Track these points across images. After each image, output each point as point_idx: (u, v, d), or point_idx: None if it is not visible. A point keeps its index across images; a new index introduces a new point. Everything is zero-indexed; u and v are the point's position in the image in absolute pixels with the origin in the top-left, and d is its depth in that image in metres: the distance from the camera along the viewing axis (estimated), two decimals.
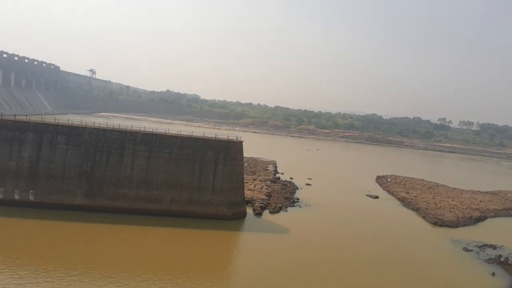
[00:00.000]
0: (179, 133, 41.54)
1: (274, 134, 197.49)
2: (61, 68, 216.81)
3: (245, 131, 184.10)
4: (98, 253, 29.06)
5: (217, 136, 42.44)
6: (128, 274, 26.01)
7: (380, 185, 75.27)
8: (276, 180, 65.69)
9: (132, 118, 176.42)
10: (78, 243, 30.57)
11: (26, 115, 44.00)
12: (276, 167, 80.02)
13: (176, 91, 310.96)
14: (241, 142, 42.79)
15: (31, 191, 36.91)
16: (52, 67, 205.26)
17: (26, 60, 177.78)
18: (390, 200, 62.54)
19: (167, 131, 42.05)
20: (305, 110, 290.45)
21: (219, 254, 32.88)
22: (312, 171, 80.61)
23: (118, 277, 25.43)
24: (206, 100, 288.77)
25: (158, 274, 26.53)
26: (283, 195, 54.37)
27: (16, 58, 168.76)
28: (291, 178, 69.30)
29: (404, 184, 75.99)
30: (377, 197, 63.00)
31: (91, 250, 29.46)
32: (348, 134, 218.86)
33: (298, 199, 54.14)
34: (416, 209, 56.12)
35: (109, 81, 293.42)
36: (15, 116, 40.56)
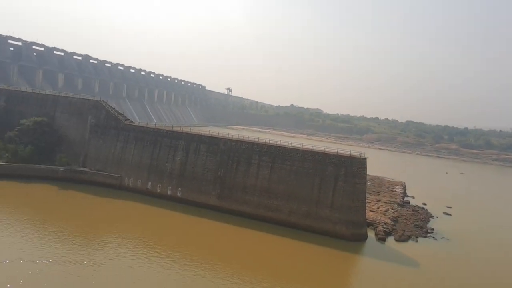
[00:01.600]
0: (301, 146, 42.67)
1: (403, 152, 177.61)
2: (206, 88, 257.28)
3: (369, 147, 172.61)
4: (226, 249, 32.72)
5: (338, 151, 41.49)
6: (251, 278, 28.03)
7: None
8: (404, 204, 58.69)
9: (259, 130, 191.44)
10: (210, 237, 35.20)
11: (180, 127, 54.10)
12: (405, 190, 71.52)
13: (299, 106, 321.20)
14: (365, 158, 40.46)
15: (179, 188, 44.86)
16: (200, 87, 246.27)
17: (182, 82, 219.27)
18: None
19: (289, 144, 43.90)
20: (446, 126, 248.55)
21: (337, 275, 31.66)
22: (453, 199, 68.03)
23: (243, 277, 27.78)
24: (328, 114, 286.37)
25: (281, 282, 27.52)
26: (413, 223, 47.86)
27: (176, 81, 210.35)
28: (424, 204, 60.55)
29: None
30: None
31: (220, 245, 33.40)
32: (506, 156, 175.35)
33: (432, 229, 46.46)
34: None
35: (242, 97, 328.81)
36: (172, 127, 50.58)
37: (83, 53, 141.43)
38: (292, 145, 43.74)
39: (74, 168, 48.22)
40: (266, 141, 44.36)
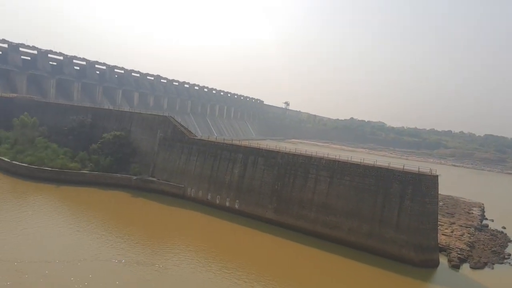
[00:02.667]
0: (362, 161, 40.73)
1: (482, 170, 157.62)
2: (264, 102, 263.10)
3: (441, 163, 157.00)
4: (281, 265, 32.28)
5: (405, 167, 38.57)
6: None
7: None
8: (482, 227, 51.84)
9: (317, 144, 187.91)
10: (266, 251, 35.16)
11: (239, 140, 55.91)
12: (483, 212, 63.22)
13: (360, 119, 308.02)
14: (436, 176, 36.90)
15: (237, 200, 46.02)
16: (258, 101, 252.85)
17: (242, 98, 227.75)
18: None
19: (349, 159, 42.23)
20: None
21: None
22: None
23: None
24: (392, 128, 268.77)
25: None
26: (491, 248, 42.07)
27: (235, 96, 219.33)
28: (504, 228, 52.91)
29: None
30: None
31: (276, 260, 33.11)
32: None
33: (509, 254, 40.78)
34: None
35: (300, 111, 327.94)
36: (232, 140, 52.55)
37: (155, 73, 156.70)
38: (352, 159, 41.99)
39: (145, 177, 52.81)
40: (324, 155, 43.34)
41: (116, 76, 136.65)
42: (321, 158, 42.24)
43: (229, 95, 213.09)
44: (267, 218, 42.95)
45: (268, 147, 47.74)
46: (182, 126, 57.92)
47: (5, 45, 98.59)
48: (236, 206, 45.75)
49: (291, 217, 41.68)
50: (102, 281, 25.17)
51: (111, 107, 79.88)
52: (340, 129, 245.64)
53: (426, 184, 35.99)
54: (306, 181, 41.92)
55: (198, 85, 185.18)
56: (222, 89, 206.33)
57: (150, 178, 52.88)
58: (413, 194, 35.88)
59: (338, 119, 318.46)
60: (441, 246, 38.81)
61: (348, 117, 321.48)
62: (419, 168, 38.39)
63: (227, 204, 46.52)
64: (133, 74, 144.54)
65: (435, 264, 35.18)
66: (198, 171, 50.36)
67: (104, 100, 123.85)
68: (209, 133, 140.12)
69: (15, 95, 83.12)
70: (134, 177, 52.34)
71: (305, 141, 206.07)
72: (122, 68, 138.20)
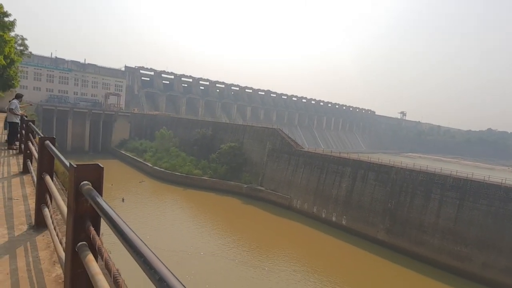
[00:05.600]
0: (503, 181, 33.31)
1: None
2: (376, 113, 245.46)
3: None
4: None
5: None
6: None
7: None
8: None
9: (441, 160, 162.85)
10: (376, 275, 32.29)
11: (347, 153, 53.78)
12: None
13: (500, 130, 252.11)
14: None
15: (344, 216, 44.07)
16: (369, 112, 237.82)
17: (351, 109, 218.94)
18: None
19: (486, 178, 35.16)
20: None
21: None
22: None
23: None
24: None
25: None
26: None
27: (344, 108, 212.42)
28: None
29: None
30: None
31: None
32: None
33: None
34: None
35: (419, 121, 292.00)
36: (339, 153, 50.95)
37: (264, 88, 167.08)
38: (490, 179, 34.80)
39: (254, 186, 56.37)
40: (452, 172, 37.35)
41: (232, 93, 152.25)
42: (447, 176, 36.55)
43: (337, 106, 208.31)
44: (378, 239, 39.51)
45: (380, 161, 44.31)
46: (290, 138, 59.61)
47: (152, 73, 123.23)
48: (343, 222, 43.80)
49: (407, 241, 37.20)
50: (222, 273, 28.12)
51: (227, 121, 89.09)
52: (474, 142, 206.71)
53: None
54: (427, 202, 36.86)
55: (305, 98, 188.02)
56: (330, 101, 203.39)
57: (259, 187, 56.05)
58: None
59: (470, 130, 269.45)
60: None
61: (484, 128, 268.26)
62: None
63: (334, 219, 45.05)
64: (246, 90, 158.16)
65: None
66: (304, 183, 50.67)
67: (222, 115, 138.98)
68: (315, 145, 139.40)
69: (157, 112, 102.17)
70: (245, 186, 56.49)
71: (425, 156, 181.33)
72: (237, 86, 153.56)
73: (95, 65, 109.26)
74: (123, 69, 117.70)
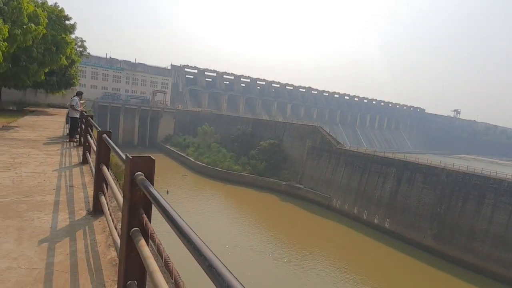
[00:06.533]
0: None
1: None
2: (425, 110, 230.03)
3: None
4: None
5: None
6: None
7: None
8: None
9: (497, 162, 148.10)
10: (420, 282, 30.49)
11: (392, 153, 51.21)
12: None
13: None
14: None
15: (387, 219, 42.11)
16: (417, 110, 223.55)
17: (397, 106, 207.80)
18: None
19: None
20: None
21: None
22: None
23: None
24: None
25: None
26: None
27: (389, 105, 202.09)
28: None
29: None
30: None
31: None
32: None
33: None
34: None
35: (474, 120, 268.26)
36: (384, 153, 48.69)
37: (303, 85, 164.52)
38: None
39: (293, 184, 56.02)
40: (507, 176, 33.96)
41: (273, 90, 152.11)
42: (502, 180, 33.31)
43: (382, 104, 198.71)
44: (424, 245, 37.20)
45: (429, 162, 41.57)
46: (331, 136, 58.21)
47: (195, 71, 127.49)
48: (386, 225, 41.88)
49: (456, 249, 34.57)
50: (259, 267, 28.52)
51: (267, 118, 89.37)
52: None
53: None
54: (480, 207, 33.94)
55: (348, 95, 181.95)
56: (374, 98, 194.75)
57: (298, 185, 55.59)
58: None
59: None
60: None
61: None
62: None
63: (376, 221, 43.24)
64: (287, 87, 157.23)
65: None
66: (344, 182, 49.24)
67: (262, 112, 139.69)
68: (357, 144, 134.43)
69: (200, 109, 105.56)
70: (284, 183, 56.36)
71: (480, 158, 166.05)
72: (278, 83, 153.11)
73: (144, 64, 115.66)
74: (169, 67, 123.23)
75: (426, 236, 37.42)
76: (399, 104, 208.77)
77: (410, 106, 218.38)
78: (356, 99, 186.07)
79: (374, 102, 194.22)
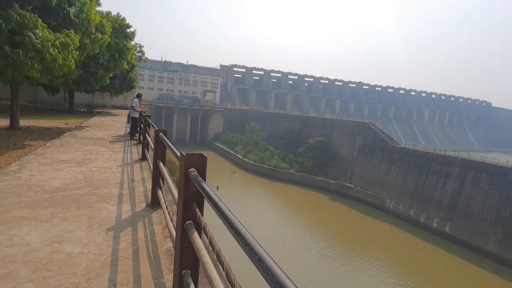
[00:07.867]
0: None
1: None
2: (492, 105, 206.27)
3: None
4: None
5: None
6: None
7: None
8: None
9: None
10: None
11: (455, 151, 46.89)
12: None
13: None
14: None
15: (447, 223, 38.76)
16: (483, 104, 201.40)
17: (461, 100, 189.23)
18: None
19: None
20: None
21: None
22: None
23: None
24: None
25: None
26: None
27: (452, 99, 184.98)
28: None
29: None
30: None
31: None
32: None
33: None
34: None
35: None
36: (445, 151, 44.79)
37: (353, 80, 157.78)
38: None
39: (342, 183, 54.29)
40: None
41: (321, 86, 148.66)
42: None
43: (443, 97, 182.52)
44: (487, 251, 33.53)
45: (496, 161, 37.30)
46: (383, 133, 55.13)
47: (243, 70, 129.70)
48: (447, 230, 38.55)
49: None
50: (307, 265, 28.25)
51: (315, 115, 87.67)
52: None
53: None
54: None
55: (403, 89, 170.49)
56: (433, 91, 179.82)
57: (347, 184, 53.72)
58: None
59: None
60: None
61: None
62: None
63: (435, 225, 40.04)
64: (336, 83, 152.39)
65: None
66: (399, 182, 46.35)
67: (310, 109, 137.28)
68: (414, 141, 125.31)
69: (247, 107, 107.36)
70: (332, 181, 54.87)
71: None
72: (326, 79, 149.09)
73: (195, 65, 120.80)
74: (218, 67, 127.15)
75: (490, 242, 33.70)
76: (462, 98, 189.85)
77: (475, 100, 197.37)
78: (412, 93, 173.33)
79: (433, 96, 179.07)
